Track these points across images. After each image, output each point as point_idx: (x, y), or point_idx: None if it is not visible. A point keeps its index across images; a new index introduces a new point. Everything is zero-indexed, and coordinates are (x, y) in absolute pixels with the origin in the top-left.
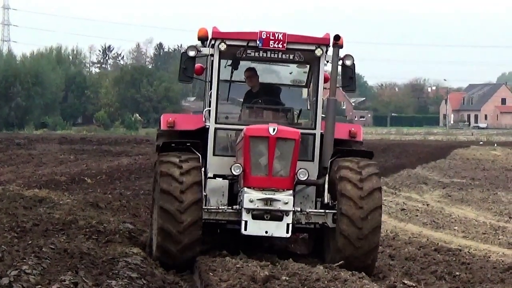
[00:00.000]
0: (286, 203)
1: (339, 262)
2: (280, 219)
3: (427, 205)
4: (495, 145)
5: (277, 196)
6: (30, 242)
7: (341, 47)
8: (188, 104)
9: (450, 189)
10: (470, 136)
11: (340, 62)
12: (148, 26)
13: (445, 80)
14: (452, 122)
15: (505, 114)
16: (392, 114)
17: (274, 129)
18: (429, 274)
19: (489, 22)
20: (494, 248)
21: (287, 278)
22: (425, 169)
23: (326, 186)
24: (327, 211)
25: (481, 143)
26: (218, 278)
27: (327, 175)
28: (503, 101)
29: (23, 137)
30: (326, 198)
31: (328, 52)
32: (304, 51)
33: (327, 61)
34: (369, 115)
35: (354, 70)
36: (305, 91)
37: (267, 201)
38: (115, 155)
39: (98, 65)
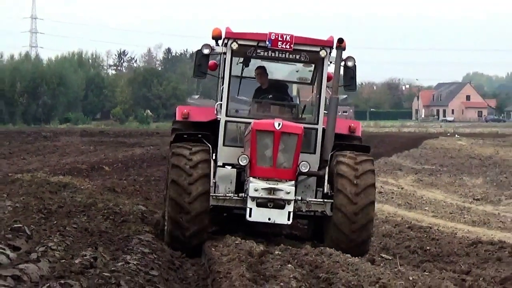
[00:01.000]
0: (288, 192)
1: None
2: (282, 207)
3: (402, 188)
4: (456, 136)
5: (280, 186)
6: (55, 222)
7: (344, 49)
8: (193, 101)
9: (421, 175)
10: (439, 128)
11: (342, 63)
12: (158, 33)
13: (417, 79)
14: (423, 116)
15: (470, 109)
16: (371, 109)
17: (279, 124)
18: (403, 248)
19: (456, 27)
20: (460, 225)
21: (279, 252)
22: (400, 157)
23: (326, 177)
24: (325, 200)
25: (448, 134)
26: (220, 252)
27: (327, 167)
28: (468, 97)
29: (49, 130)
30: (326, 188)
31: (332, 54)
32: (310, 52)
33: (331, 62)
34: (351, 110)
35: (355, 71)
36: (295, 88)
37: (270, 190)
38: (129, 146)
39: (114, 67)
